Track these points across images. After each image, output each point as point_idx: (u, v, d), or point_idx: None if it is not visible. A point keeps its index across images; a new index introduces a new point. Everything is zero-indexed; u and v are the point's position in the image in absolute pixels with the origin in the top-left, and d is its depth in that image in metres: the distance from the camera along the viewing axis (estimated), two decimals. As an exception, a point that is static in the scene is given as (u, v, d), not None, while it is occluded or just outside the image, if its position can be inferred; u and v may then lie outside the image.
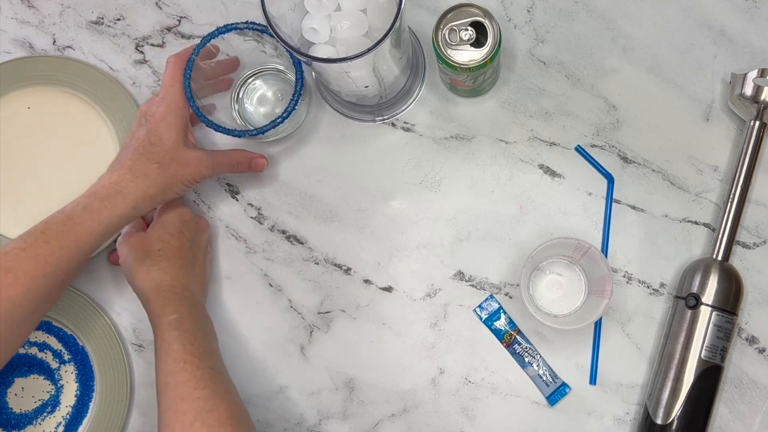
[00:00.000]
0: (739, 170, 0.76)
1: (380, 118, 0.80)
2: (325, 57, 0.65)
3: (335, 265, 0.79)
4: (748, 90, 0.75)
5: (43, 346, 0.79)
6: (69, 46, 0.82)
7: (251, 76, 0.80)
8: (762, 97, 0.75)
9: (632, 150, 0.79)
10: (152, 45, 0.82)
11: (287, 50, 0.63)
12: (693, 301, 0.73)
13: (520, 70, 0.80)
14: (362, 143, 0.80)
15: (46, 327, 0.79)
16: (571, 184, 0.79)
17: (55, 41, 0.83)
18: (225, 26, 0.72)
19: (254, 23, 0.72)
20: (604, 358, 0.77)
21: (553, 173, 0.79)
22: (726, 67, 0.80)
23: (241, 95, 0.79)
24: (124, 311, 0.80)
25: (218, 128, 0.71)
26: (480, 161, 0.79)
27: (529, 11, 0.81)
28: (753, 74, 0.75)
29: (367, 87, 0.71)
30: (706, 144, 0.79)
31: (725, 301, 0.73)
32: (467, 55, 0.70)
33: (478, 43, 0.70)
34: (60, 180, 0.80)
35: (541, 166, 0.79)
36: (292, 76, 0.77)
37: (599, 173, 0.79)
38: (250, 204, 0.80)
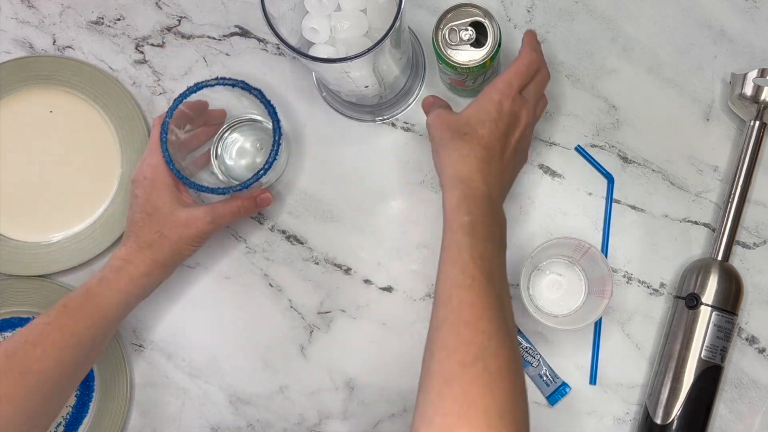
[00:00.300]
0: (739, 170, 0.76)
1: (380, 118, 0.80)
2: (325, 57, 0.65)
3: (335, 265, 0.79)
4: (748, 90, 0.75)
5: (43, 346, 0.79)
6: (69, 46, 0.82)
7: (227, 130, 0.79)
8: (762, 97, 0.75)
9: (632, 150, 0.79)
10: (152, 45, 0.82)
11: (288, 48, 0.62)
12: (693, 301, 0.73)
13: (520, 70, 0.80)
14: (362, 143, 0.80)
15: (46, 327, 0.79)
16: (571, 184, 0.79)
17: (55, 41, 0.83)
18: (195, 85, 0.71)
19: (224, 78, 0.71)
20: (604, 358, 0.77)
21: (553, 173, 0.79)
22: (726, 67, 0.80)
23: (219, 151, 0.79)
24: (124, 311, 0.80)
25: (201, 188, 0.71)
26: (480, 161, 0.79)
27: (529, 11, 0.81)
28: (753, 74, 0.75)
29: (367, 87, 0.71)
30: (706, 144, 0.79)
31: (725, 301, 0.73)
32: (467, 55, 0.70)
33: (478, 43, 0.70)
34: (60, 180, 0.80)
35: (541, 166, 0.79)
36: (268, 124, 0.76)
37: (599, 173, 0.79)
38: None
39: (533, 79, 0.68)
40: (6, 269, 0.78)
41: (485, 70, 0.72)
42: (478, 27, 0.70)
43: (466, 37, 0.69)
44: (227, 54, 0.81)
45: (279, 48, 0.81)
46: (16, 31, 0.83)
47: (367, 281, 0.79)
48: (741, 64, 0.80)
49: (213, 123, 0.78)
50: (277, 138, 0.71)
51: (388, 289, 0.79)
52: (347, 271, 0.79)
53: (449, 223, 0.61)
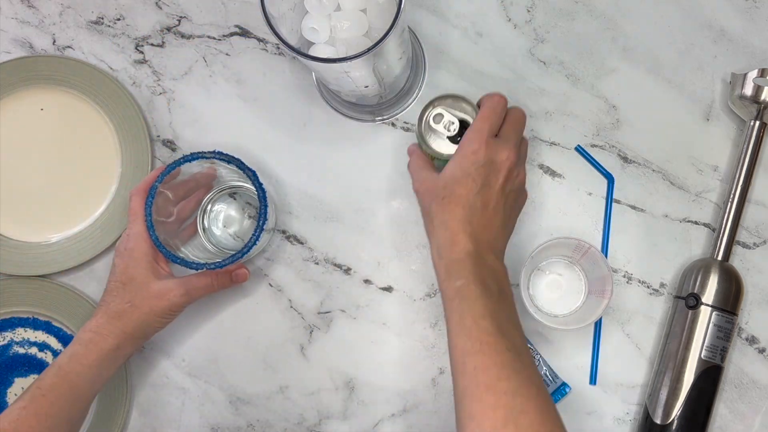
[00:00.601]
0: (739, 170, 0.76)
1: (380, 118, 0.80)
2: (325, 57, 0.65)
3: (335, 265, 0.79)
4: (748, 90, 0.75)
5: (43, 346, 0.79)
6: (69, 46, 0.82)
7: (209, 203, 0.79)
8: (762, 97, 0.75)
9: (632, 150, 0.79)
10: (152, 45, 0.82)
11: (288, 48, 0.62)
12: (693, 301, 0.73)
13: (520, 70, 0.80)
14: (362, 143, 0.80)
15: (46, 327, 0.79)
16: (571, 184, 0.79)
17: (54, 41, 0.83)
18: (191, 154, 0.71)
19: (221, 153, 0.71)
20: (604, 358, 0.77)
21: (553, 173, 0.79)
22: (726, 67, 0.80)
23: (206, 223, 0.79)
24: (124, 311, 0.80)
25: (176, 260, 0.70)
26: (480, 161, 0.79)
27: (529, 11, 0.81)
28: (753, 74, 0.75)
29: (367, 87, 0.71)
30: (706, 144, 0.79)
31: (725, 301, 0.73)
32: (445, 146, 0.68)
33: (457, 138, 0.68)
34: (60, 180, 0.80)
35: (541, 166, 0.79)
36: (249, 185, 0.76)
37: (599, 173, 0.79)
38: (248, 203, 0.80)
39: (506, 119, 0.67)
40: (6, 269, 0.78)
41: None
42: (464, 123, 0.68)
43: (450, 130, 0.68)
44: (227, 54, 0.81)
45: (279, 48, 0.81)
46: (16, 31, 0.83)
47: (367, 281, 0.79)
48: (741, 64, 0.79)
49: (201, 186, 0.78)
50: (260, 224, 0.70)
51: (388, 289, 0.79)
52: (347, 271, 0.79)
53: (444, 293, 0.62)
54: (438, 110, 0.68)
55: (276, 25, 0.63)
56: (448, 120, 0.67)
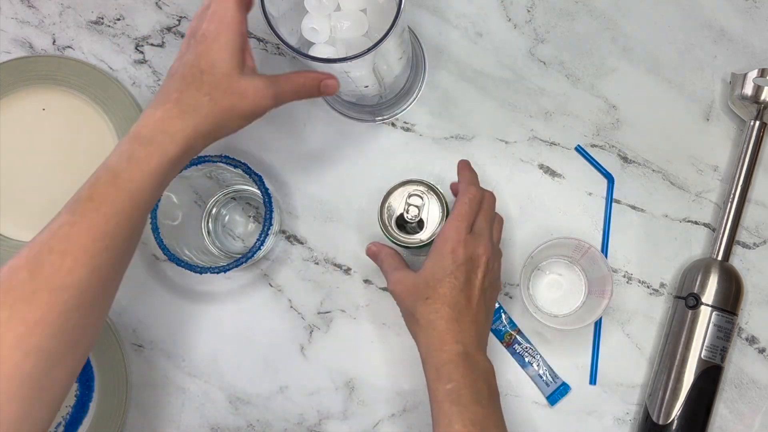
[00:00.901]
0: (739, 170, 0.76)
1: (380, 118, 0.80)
2: (325, 57, 0.65)
3: (335, 265, 0.79)
4: (748, 90, 0.75)
5: (43, 346, 0.79)
6: (69, 46, 0.82)
7: (213, 206, 0.79)
8: (762, 97, 0.75)
9: (632, 150, 0.79)
10: (152, 45, 0.82)
11: (288, 48, 0.62)
12: (693, 301, 0.73)
13: (520, 70, 0.80)
14: (362, 143, 0.80)
15: (46, 327, 0.79)
16: (571, 184, 0.79)
17: (54, 41, 0.82)
18: (199, 158, 0.71)
19: (227, 157, 0.71)
20: (604, 358, 0.77)
21: (553, 173, 0.79)
22: (726, 67, 0.80)
23: (211, 228, 0.79)
24: (124, 311, 0.79)
25: (193, 268, 0.70)
26: (480, 161, 0.79)
27: (529, 11, 0.81)
28: (753, 74, 0.75)
29: (366, 87, 0.71)
30: (706, 144, 0.79)
31: (725, 301, 0.73)
32: (412, 235, 0.69)
33: (420, 223, 0.70)
34: (60, 180, 0.80)
35: (541, 166, 0.79)
36: (252, 187, 0.77)
37: (599, 173, 0.79)
38: (248, 203, 0.80)
39: (479, 211, 0.66)
40: (6, 269, 0.78)
41: (423, 250, 0.71)
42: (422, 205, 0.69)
43: (410, 216, 0.69)
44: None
45: (279, 47, 0.81)
46: (15, 31, 0.83)
47: (367, 281, 0.79)
48: (741, 64, 0.79)
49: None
50: (266, 228, 0.71)
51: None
52: (347, 271, 0.79)
53: (433, 394, 0.61)
54: (399, 199, 0.69)
55: (276, 25, 0.63)
56: (411, 208, 0.69)
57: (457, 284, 0.63)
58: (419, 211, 0.69)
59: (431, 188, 0.69)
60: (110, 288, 0.57)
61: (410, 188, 0.69)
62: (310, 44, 0.69)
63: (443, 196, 0.69)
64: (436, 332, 0.62)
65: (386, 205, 0.69)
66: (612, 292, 0.71)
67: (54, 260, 0.52)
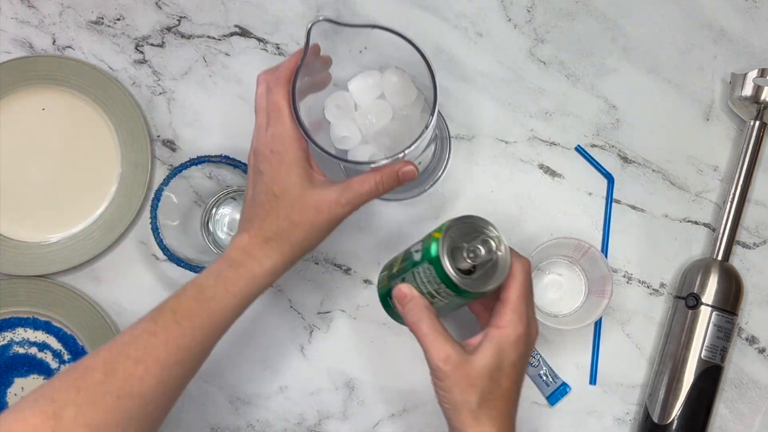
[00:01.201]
0: (739, 170, 0.76)
1: (406, 195, 0.79)
2: (367, 158, 0.65)
3: (335, 265, 0.79)
4: (748, 90, 0.76)
5: (43, 346, 0.79)
6: (69, 46, 0.82)
7: (213, 207, 0.79)
8: (762, 97, 0.75)
9: (632, 150, 0.79)
10: (152, 45, 0.82)
11: (334, 158, 0.60)
12: (693, 301, 0.73)
13: (520, 70, 0.80)
14: (362, 143, 0.80)
15: (46, 327, 0.79)
16: (571, 184, 0.79)
17: (54, 41, 0.82)
18: (198, 158, 0.71)
19: (227, 157, 0.71)
20: (604, 358, 0.77)
21: (553, 173, 0.79)
22: (726, 67, 0.80)
23: (210, 227, 0.79)
24: (124, 311, 0.79)
25: (194, 268, 0.69)
26: (480, 161, 0.79)
27: (529, 11, 0.81)
28: (753, 74, 0.75)
29: None
30: (706, 144, 0.79)
31: (725, 301, 0.73)
32: (460, 279, 0.57)
33: (474, 269, 0.59)
34: (60, 180, 0.80)
35: (541, 166, 0.79)
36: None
37: (599, 173, 0.79)
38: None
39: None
40: (5, 269, 0.78)
41: (460, 301, 0.60)
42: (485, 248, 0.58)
43: (474, 256, 0.57)
44: (227, 54, 0.81)
45: (279, 48, 0.81)
46: (15, 31, 0.83)
47: (367, 281, 0.79)
48: (741, 64, 0.79)
49: (319, 87, 0.68)
50: None
51: (388, 289, 0.79)
52: (347, 271, 0.79)
53: None
54: (469, 233, 0.59)
55: (315, 140, 0.61)
56: (475, 249, 0.57)
57: (518, 377, 0.59)
58: (493, 255, 0.58)
59: (490, 226, 0.60)
60: (172, 400, 0.58)
61: (487, 230, 0.59)
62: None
63: (508, 254, 0.60)
64: (495, 429, 0.57)
65: (448, 233, 0.58)
66: (612, 292, 0.71)
67: (128, 366, 0.54)
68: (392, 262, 0.64)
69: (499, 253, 0.58)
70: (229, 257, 0.59)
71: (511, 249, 0.60)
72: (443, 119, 0.79)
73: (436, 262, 0.57)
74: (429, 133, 0.62)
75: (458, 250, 0.58)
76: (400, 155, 0.60)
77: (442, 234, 0.58)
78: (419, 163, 0.63)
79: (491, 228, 0.60)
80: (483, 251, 0.57)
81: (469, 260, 0.57)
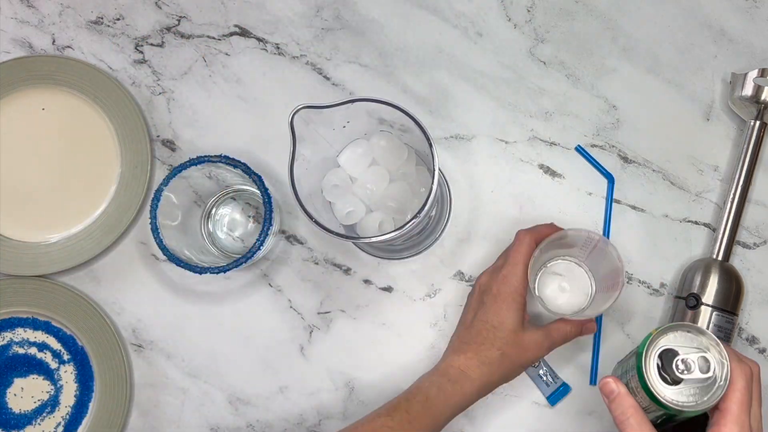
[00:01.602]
0: (739, 170, 0.76)
1: (407, 255, 0.79)
2: (377, 228, 0.68)
3: (335, 265, 0.79)
4: (749, 90, 0.75)
5: (43, 347, 0.79)
6: (68, 46, 0.82)
7: (213, 207, 0.79)
8: (762, 97, 0.75)
9: (632, 150, 0.79)
10: (152, 45, 0.82)
11: (345, 239, 0.64)
12: (693, 302, 0.73)
13: (520, 70, 0.80)
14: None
15: (46, 327, 0.79)
16: (571, 184, 0.79)
17: (54, 41, 0.82)
18: (198, 158, 0.71)
19: (227, 157, 0.71)
20: (605, 358, 0.77)
21: (553, 173, 0.79)
22: (726, 67, 0.80)
23: (211, 228, 0.79)
24: (124, 311, 0.79)
25: (193, 268, 0.70)
26: (480, 161, 0.79)
27: (529, 11, 0.81)
28: (753, 74, 0.75)
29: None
30: (706, 144, 0.79)
31: (725, 301, 0.73)
32: (677, 393, 0.55)
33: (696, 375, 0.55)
34: (59, 180, 0.80)
35: (541, 166, 0.79)
36: (251, 187, 0.77)
37: (599, 173, 0.79)
38: (248, 203, 0.80)
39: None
40: (5, 269, 0.78)
41: (687, 415, 0.56)
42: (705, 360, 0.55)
43: (691, 370, 0.55)
44: (227, 54, 0.81)
45: (279, 48, 0.81)
46: (15, 30, 0.83)
47: (366, 281, 0.79)
48: (741, 64, 0.79)
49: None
50: (266, 229, 0.71)
51: (388, 289, 0.79)
52: (347, 271, 0.79)
53: None
54: (673, 345, 0.55)
55: (322, 222, 0.63)
56: (689, 362, 0.55)
57: None
58: (696, 366, 0.55)
59: (710, 338, 0.56)
60: None
61: (685, 334, 0.56)
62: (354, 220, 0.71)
63: (726, 362, 0.55)
64: None
65: (652, 350, 0.56)
66: (624, 284, 0.68)
67: None
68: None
69: (716, 371, 0.55)
70: (447, 372, 0.68)
71: (731, 352, 0.56)
72: (446, 181, 0.79)
73: (639, 367, 0.56)
74: (432, 196, 0.62)
75: (670, 358, 0.55)
76: (416, 219, 0.61)
77: (651, 338, 0.56)
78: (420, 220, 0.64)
79: (712, 342, 0.55)
80: (696, 366, 0.54)
81: (678, 373, 0.55)
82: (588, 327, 0.73)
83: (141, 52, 0.82)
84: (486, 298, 0.69)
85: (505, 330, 0.68)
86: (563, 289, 0.77)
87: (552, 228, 0.71)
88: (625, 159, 0.79)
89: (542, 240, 0.69)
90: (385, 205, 0.69)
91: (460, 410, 0.68)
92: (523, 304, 0.69)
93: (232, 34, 0.82)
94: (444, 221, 0.79)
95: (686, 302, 0.73)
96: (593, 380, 0.77)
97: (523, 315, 0.69)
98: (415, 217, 0.62)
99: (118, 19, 0.82)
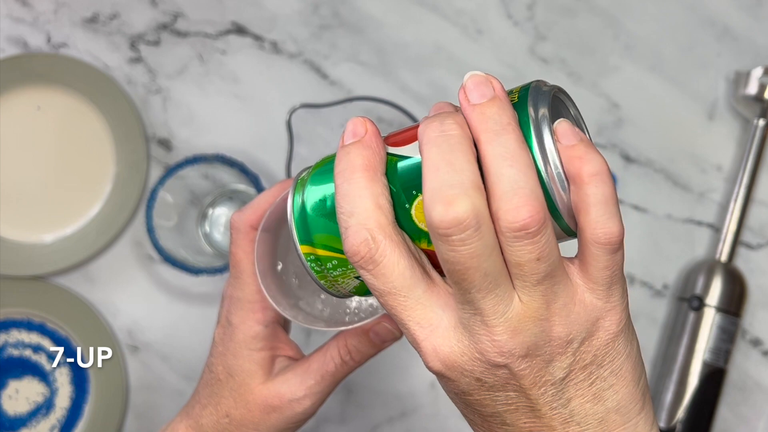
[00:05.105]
0: (743, 170, 0.75)
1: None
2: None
3: (333, 266, 0.78)
4: (753, 88, 0.75)
5: (38, 348, 0.78)
6: (64, 44, 0.82)
7: (209, 206, 0.78)
8: (767, 96, 0.75)
9: (635, 149, 0.78)
10: (147, 43, 0.81)
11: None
12: (696, 303, 0.73)
13: (520, 68, 0.79)
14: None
15: (41, 329, 0.78)
16: (572, 184, 0.78)
17: (49, 39, 0.82)
18: (194, 157, 0.70)
19: (223, 156, 0.70)
20: (606, 360, 0.76)
21: (554, 173, 0.79)
22: (730, 65, 0.79)
23: (207, 228, 0.78)
24: (119, 312, 0.79)
25: (189, 269, 0.68)
26: (480, 161, 0.79)
27: (529, 8, 0.80)
28: (757, 72, 0.75)
29: None
30: (709, 143, 0.79)
31: (729, 302, 0.72)
32: None
33: None
34: (54, 180, 0.80)
35: (541, 166, 0.79)
36: (249, 188, 0.76)
37: (601, 173, 0.78)
38: (244, 203, 0.79)
39: None
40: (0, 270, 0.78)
41: None
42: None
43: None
44: (223, 52, 0.80)
45: (275, 46, 0.81)
46: (10, 28, 0.82)
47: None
48: (745, 62, 0.79)
49: None
50: None
51: (387, 290, 0.78)
52: (345, 272, 0.78)
53: None
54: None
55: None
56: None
57: None
58: None
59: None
60: None
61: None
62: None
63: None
64: None
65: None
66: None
67: None
68: None
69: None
70: None
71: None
72: None
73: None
74: None
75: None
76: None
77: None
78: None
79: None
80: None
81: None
82: (378, 332, 0.49)
83: (137, 51, 0.81)
84: (218, 334, 0.49)
85: (234, 383, 0.47)
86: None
87: (268, 195, 0.48)
88: (628, 158, 0.78)
89: (261, 218, 0.46)
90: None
91: None
92: (264, 336, 0.47)
93: (228, 31, 0.81)
94: None
95: (689, 304, 0.73)
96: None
97: (266, 358, 0.47)
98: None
99: (114, 17, 0.82)
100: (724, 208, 0.78)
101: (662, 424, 0.71)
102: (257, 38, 0.81)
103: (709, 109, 0.79)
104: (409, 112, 0.61)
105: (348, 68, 0.80)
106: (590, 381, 0.35)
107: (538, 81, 0.38)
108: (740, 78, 0.76)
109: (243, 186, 0.78)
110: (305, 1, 0.81)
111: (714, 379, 0.71)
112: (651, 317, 0.77)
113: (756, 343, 0.77)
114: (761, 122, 0.75)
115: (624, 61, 0.79)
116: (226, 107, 0.80)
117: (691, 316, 0.73)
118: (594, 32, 0.80)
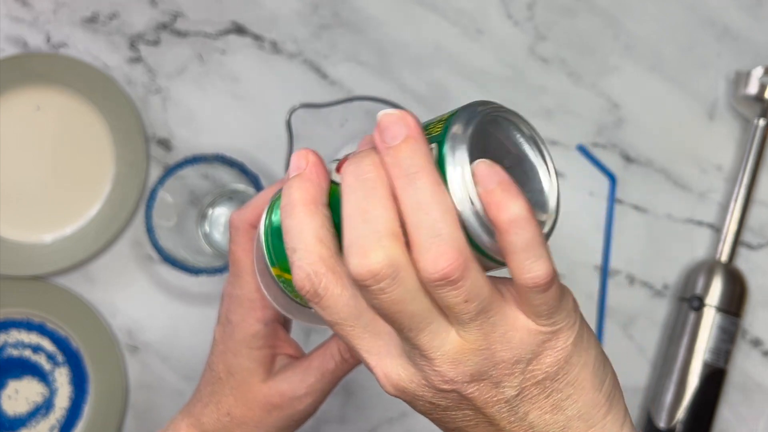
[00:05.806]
0: (743, 170, 0.75)
1: None
2: None
3: (333, 266, 0.78)
4: (753, 88, 0.75)
5: (37, 348, 0.78)
6: (64, 44, 0.82)
7: (209, 206, 0.78)
8: (767, 95, 0.75)
9: (635, 149, 0.78)
10: (147, 43, 0.81)
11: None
12: (696, 303, 0.73)
13: (520, 68, 0.79)
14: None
15: (40, 329, 0.78)
16: (572, 184, 0.78)
17: (49, 39, 0.82)
18: (193, 157, 0.70)
19: (223, 156, 0.70)
20: (606, 360, 0.76)
21: (554, 173, 0.79)
22: (730, 65, 0.79)
23: (207, 228, 0.78)
24: (119, 312, 0.79)
25: (189, 269, 0.68)
26: (480, 161, 0.79)
27: (529, 8, 0.80)
28: (758, 72, 0.75)
29: None
30: (710, 143, 0.79)
31: (729, 302, 0.72)
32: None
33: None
34: (53, 180, 0.80)
35: (541, 166, 0.79)
36: (249, 188, 0.76)
37: (601, 173, 0.78)
38: (244, 203, 0.79)
39: None
40: (-1, 270, 0.78)
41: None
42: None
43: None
44: (223, 51, 0.80)
45: (275, 46, 0.81)
46: (9, 28, 0.82)
47: (365, 282, 0.78)
48: (745, 62, 0.79)
49: None
50: None
51: (387, 290, 0.78)
52: (345, 272, 0.78)
53: None
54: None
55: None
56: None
57: None
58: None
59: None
60: None
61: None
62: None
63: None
64: None
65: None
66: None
67: None
68: None
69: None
70: None
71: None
72: None
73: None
74: None
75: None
76: None
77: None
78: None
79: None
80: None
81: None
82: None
83: (136, 50, 0.81)
84: (218, 332, 0.49)
85: (235, 382, 0.47)
86: None
87: (266, 194, 0.49)
88: (628, 158, 0.78)
89: (260, 217, 0.44)
90: None
91: None
92: (265, 335, 0.47)
93: (228, 31, 0.81)
94: None
95: (689, 304, 0.73)
96: (595, 383, 0.76)
97: (266, 357, 0.47)
98: None
99: (114, 17, 0.82)
100: (724, 208, 0.78)
101: (662, 425, 0.71)
102: (257, 38, 0.81)
103: (709, 109, 0.79)
104: (409, 112, 0.61)
105: (348, 68, 0.80)
106: (546, 394, 0.35)
107: (471, 104, 0.34)
108: (740, 78, 0.76)
109: (243, 186, 0.78)
110: (305, 1, 0.81)
111: (714, 379, 0.71)
112: (651, 317, 0.77)
113: (756, 343, 0.76)
114: (761, 122, 0.75)
115: (624, 61, 0.79)
116: (226, 107, 0.80)
117: (692, 316, 0.73)
118: (594, 32, 0.80)
